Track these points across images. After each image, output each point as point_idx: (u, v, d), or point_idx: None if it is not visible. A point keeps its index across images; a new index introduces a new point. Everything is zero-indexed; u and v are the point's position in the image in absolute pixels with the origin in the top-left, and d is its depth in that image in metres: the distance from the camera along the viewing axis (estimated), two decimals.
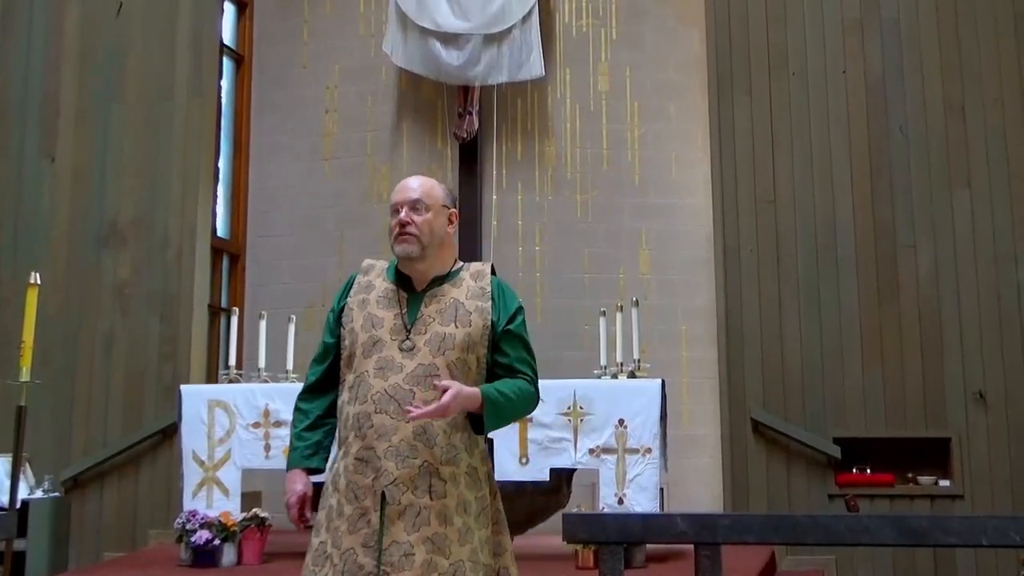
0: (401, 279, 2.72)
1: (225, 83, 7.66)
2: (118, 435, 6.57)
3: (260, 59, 7.89)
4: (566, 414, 5.20)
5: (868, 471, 6.26)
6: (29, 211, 6.94)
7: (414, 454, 2.54)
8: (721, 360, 6.49)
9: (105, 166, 6.93)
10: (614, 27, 7.54)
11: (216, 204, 7.44)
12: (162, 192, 6.84)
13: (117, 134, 6.96)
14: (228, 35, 7.74)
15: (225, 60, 7.63)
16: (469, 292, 2.69)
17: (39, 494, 6.28)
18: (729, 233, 6.54)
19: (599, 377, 5.62)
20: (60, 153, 6.99)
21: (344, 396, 2.65)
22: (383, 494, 2.52)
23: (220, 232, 7.57)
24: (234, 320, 6.25)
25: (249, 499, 5.77)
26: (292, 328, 5.92)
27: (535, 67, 7.11)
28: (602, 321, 5.90)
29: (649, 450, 5.15)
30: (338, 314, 2.73)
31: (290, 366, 5.84)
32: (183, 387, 5.77)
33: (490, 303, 2.68)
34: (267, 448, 5.43)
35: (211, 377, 6.88)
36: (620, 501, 5.12)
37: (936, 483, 6.22)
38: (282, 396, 5.41)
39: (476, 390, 2.56)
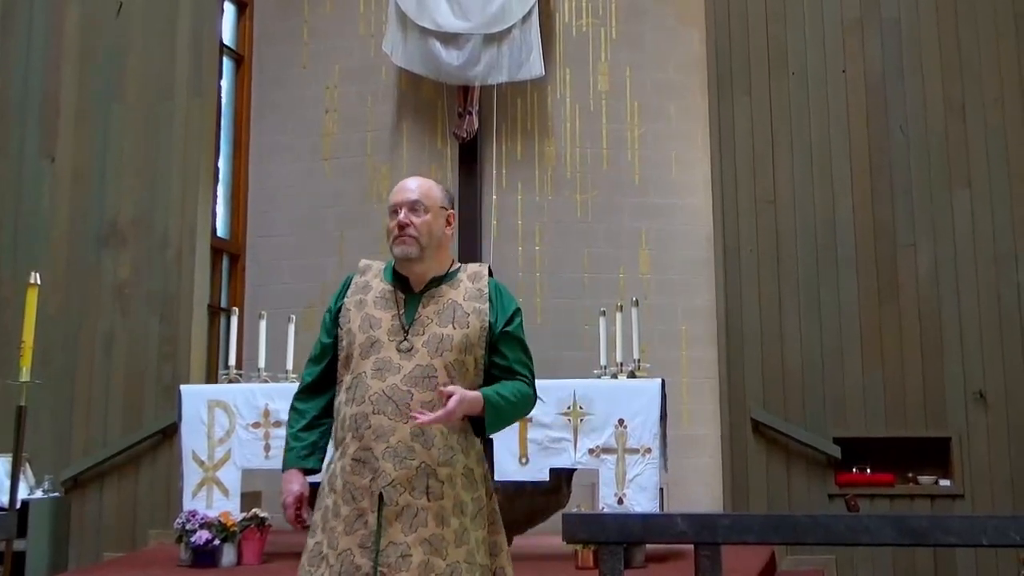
0: (398, 280, 2.72)
1: (225, 83, 7.66)
2: (118, 435, 6.57)
3: (260, 59, 7.89)
4: (566, 414, 5.20)
5: (868, 471, 6.26)
6: (29, 211, 6.94)
7: (412, 455, 2.54)
8: (721, 360, 6.49)
9: (105, 166, 6.93)
10: (614, 27, 7.54)
11: (216, 204, 7.44)
12: (162, 192, 6.84)
13: (117, 134, 6.96)
14: (228, 35, 7.74)
15: (225, 60, 7.63)
16: (467, 294, 2.69)
17: (39, 494, 6.28)
18: (729, 233, 6.54)
19: (599, 377, 5.62)
20: (60, 153, 6.99)
21: (341, 397, 2.65)
22: (380, 495, 2.52)
23: (220, 232, 7.57)
24: (234, 320, 6.25)
25: (249, 499, 5.78)
26: (292, 328, 5.91)
27: (535, 67, 7.12)
28: (602, 321, 5.90)
29: (649, 450, 5.14)
30: (335, 315, 2.73)
31: (290, 366, 5.84)
32: (183, 387, 5.77)
33: (487, 305, 2.68)
34: (267, 448, 5.43)
35: (211, 377, 6.89)
36: (620, 501, 5.12)
37: (936, 483, 6.22)
38: (282, 396, 5.40)
39: (478, 394, 2.57)
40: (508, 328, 2.69)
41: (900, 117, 6.54)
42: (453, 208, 2.79)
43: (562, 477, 5.29)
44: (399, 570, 2.47)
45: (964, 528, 1.84)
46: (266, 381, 5.78)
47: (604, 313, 5.93)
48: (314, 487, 2.69)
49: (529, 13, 7.15)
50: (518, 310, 2.74)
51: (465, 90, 7.21)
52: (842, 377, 6.33)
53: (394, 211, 2.69)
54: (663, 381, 5.32)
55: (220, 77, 7.38)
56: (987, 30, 6.57)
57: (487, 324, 2.66)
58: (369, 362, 2.60)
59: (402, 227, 2.66)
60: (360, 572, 2.48)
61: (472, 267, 2.79)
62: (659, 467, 5.18)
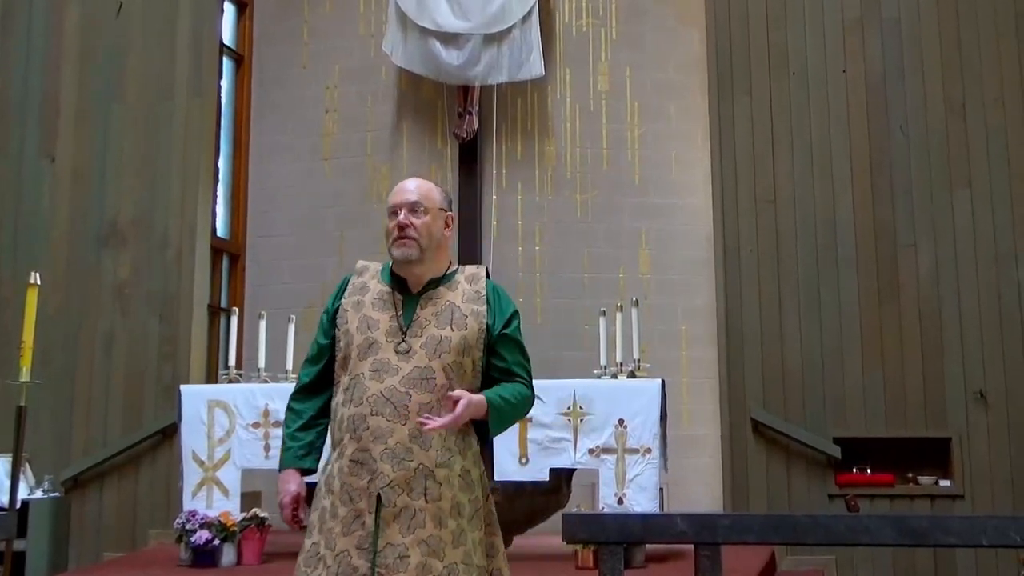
0: (396, 281, 2.72)
1: (225, 83, 7.66)
2: (118, 435, 6.57)
3: (260, 59, 7.89)
4: (566, 414, 5.20)
5: (868, 471, 6.26)
6: (29, 211, 6.94)
7: (410, 457, 2.54)
8: (721, 360, 6.49)
9: (105, 166, 6.93)
10: (614, 27, 7.54)
11: (216, 204, 7.44)
12: (162, 192, 6.84)
13: (117, 134, 6.96)
14: (228, 35, 7.74)
15: (225, 60, 7.63)
16: (465, 295, 2.69)
17: (39, 494, 6.28)
18: (729, 233, 6.54)
19: (599, 377, 5.62)
20: (60, 153, 6.98)
21: (339, 398, 2.65)
22: (378, 496, 2.53)
23: (220, 232, 7.57)
24: (234, 320, 6.25)
25: (249, 499, 5.78)
26: (292, 328, 5.92)
27: (535, 67, 7.11)
28: (602, 321, 5.90)
29: (649, 450, 5.14)
30: (332, 315, 2.73)
31: (290, 366, 5.83)
32: (183, 387, 5.77)
33: (485, 307, 2.69)
34: (267, 448, 5.43)
35: (211, 377, 6.88)
36: (620, 501, 5.12)
37: (936, 483, 6.22)
38: (282, 396, 5.40)
39: (482, 397, 2.58)
40: (506, 330, 2.69)
41: (900, 117, 6.54)
42: (451, 210, 2.79)
43: (562, 477, 5.29)
44: (397, 571, 2.48)
45: (964, 528, 1.83)
46: (266, 381, 5.78)
47: (604, 313, 5.92)
48: (311, 487, 2.69)
49: (529, 13, 7.14)
50: (516, 312, 2.75)
51: (465, 90, 7.21)
52: (842, 377, 6.33)
53: (393, 212, 2.69)
54: (663, 381, 5.32)
55: (220, 77, 7.38)
56: (987, 30, 6.56)
57: (485, 326, 2.66)
58: (367, 363, 2.60)
59: (402, 228, 2.66)
60: (358, 573, 2.48)
61: (469, 269, 2.79)
62: (659, 467, 5.18)
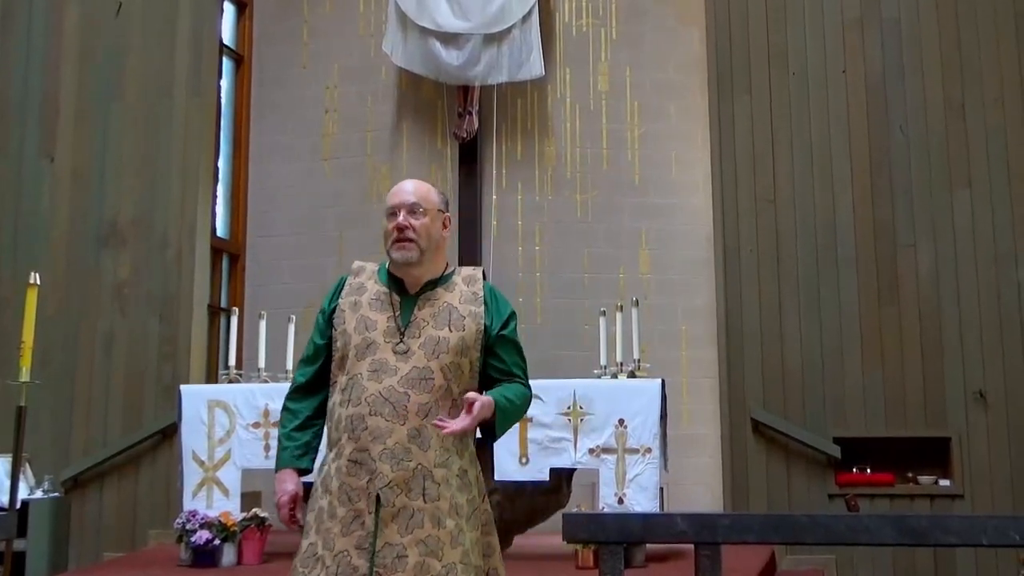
0: (393, 282, 2.72)
1: (225, 83, 7.66)
2: (118, 435, 6.57)
3: (260, 59, 7.89)
4: (566, 414, 5.20)
5: (868, 471, 6.26)
6: (29, 211, 6.94)
7: (408, 457, 2.55)
8: (721, 360, 6.49)
9: (105, 166, 6.93)
10: (614, 27, 7.54)
11: (216, 204, 7.44)
12: (162, 192, 6.84)
13: (117, 134, 6.96)
14: (228, 35, 7.74)
15: (225, 60, 7.63)
16: (462, 297, 2.70)
17: (39, 494, 6.28)
18: (729, 233, 6.54)
19: (599, 377, 5.62)
20: (60, 153, 6.98)
21: (336, 398, 2.66)
22: (377, 496, 2.53)
23: (220, 232, 7.57)
24: (234, 320, 6.25)
25: (249, 499, 5.77)
26: (292, 328, 5.91)
27: (535, 67, 7.11)
28: (602, 321, 5.90)
29: (649, 450, 5.14)
30: (329, 316, 2.73)
31: (290, 366, 5.83)
32: (183, 387, 5.77)
33: (483, 308, 2.70)
34: (267, 448, 5.43)
35: (211, 377, 6.89)
36: (620, 501, 5.12)
37: (936, 483, 6.22)
38: (282, 396, 5.32)
39: (490, 398, 2.58)
40: (504, 332, 2.71)
41: (900, 117, 6.54)
42: (449, 210, 2.80)
43: (562, 477, 5.29)
44: (395, 571, 2.48)
45: (964, 528, 1.84)
46: (266, 381, 5.78)
47: (604, 313, 5.92)
48: (308, 487, 2.69)
49: (529, 13, 7.14)
50: (513, 314, 2.76)
51: (465, 90, 7.21)
52: (842, 377, 6.33)
53: (392, 214, 2.69)
54: (663, 381, 5.32)
55: (220, 77, 7.38)
56: (987, 30, 6.57)
57: (483, 327, 2.67)
58: (365, 363, 2.60)
59: (401, 230, 2.66)
60: (357, 573, 2.49)
61: (466, 270, 2.80)
62: (659, 467, 5.18)
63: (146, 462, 6.56)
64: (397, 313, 2.65)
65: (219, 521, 5.27)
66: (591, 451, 5.17)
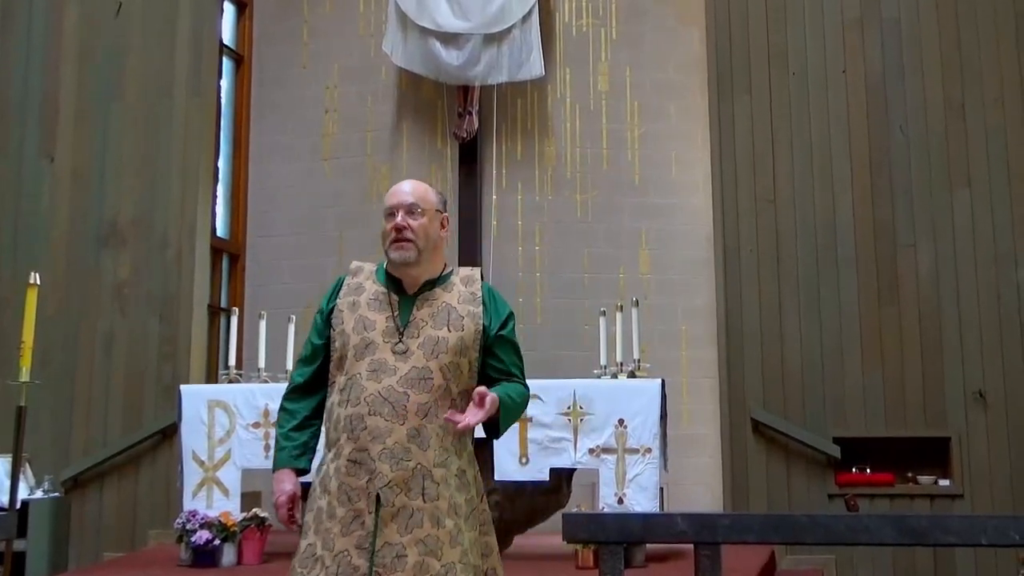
0: (391, 282, 2.73)
1: (225, 83, 7.66)
2: (118, 435, 6.57)
3: (260, 59, 7.89)
4: (566, 414, 5.20)
5: (868, 471, 6.26)
6: (29, 211, 6.94)
7: (408, 456, 2.55)
8: (721, 360, 6.49)
9: (105, 166, 6.93)
10: (614, 27, 7.54)
11: (216, 204, 7.44)
12: (162, 192, 6.84)
13: (116, 134, 6.96)
14: (228, 35, 7.74)
15: (225, 60, 7.63)
16: (460, 297, 2.71)
17: (39, 494, 6.28)
18: (729, 233, 6.54)
19: (599, 377, 5.62)
20: (60, 153, 6.98)
21: (335, 398, 2.66)
22: (377, 496, 2.53)
23: (220, 232, 7.57)
24: (234, 320, 6.25)
25: (249, 499, 5.77)
26: (292, 328, 5.91)
27: (535, 67, 7.12)
28: (602, 321, 5.90)
29: (649, 450, 5.14)
30: (327, 316, 2.74)
31: (290, 366, 5.83)
32: (183, 387, 5.77)
33: (481, 308, 2.70)
34: (267, 448, 5.43)
35: (211, 377, 6.89)
36: (620, 501, 5.12)
37: (936, 483, 6.22)
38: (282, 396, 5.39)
39: (496, 395, 2.59)
40: (503, 332, 2.72)
41: (900, 117, 6.55)
42: (447, 211, 2.80)
43: (562, 477, 5.29)
44: (394, 570, 2.48)
45: (964, 528, 1.84)
46: (266, 381, 5.78)
47: (604, 313, 5.92)
48: (305, 487, 2.69)
49: (529, 13, 7.14)
50: (511, 314, 2.78)
51: (465, 90, 7.21)
52: (842, 377, 6.33)
53: (390, 214, 2.70)
54: (663, 381, 5.32)
55: (220, 77, 7.38)
56: (987, 30, 6.57)
57: (481, 327, 2.68)
58: (364, 363, 2.61)
59: (400, 230, 2.66)
60: (358, 573, 2.49)
61: (464, 271, 2.81)
62: (659, 467, 5.18)
63: (146, 462, 6.56)
64: (396, 313, 2.66)
65: (219, 521, 5.27)
66: (591, 451, 5.18)
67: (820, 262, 6.46)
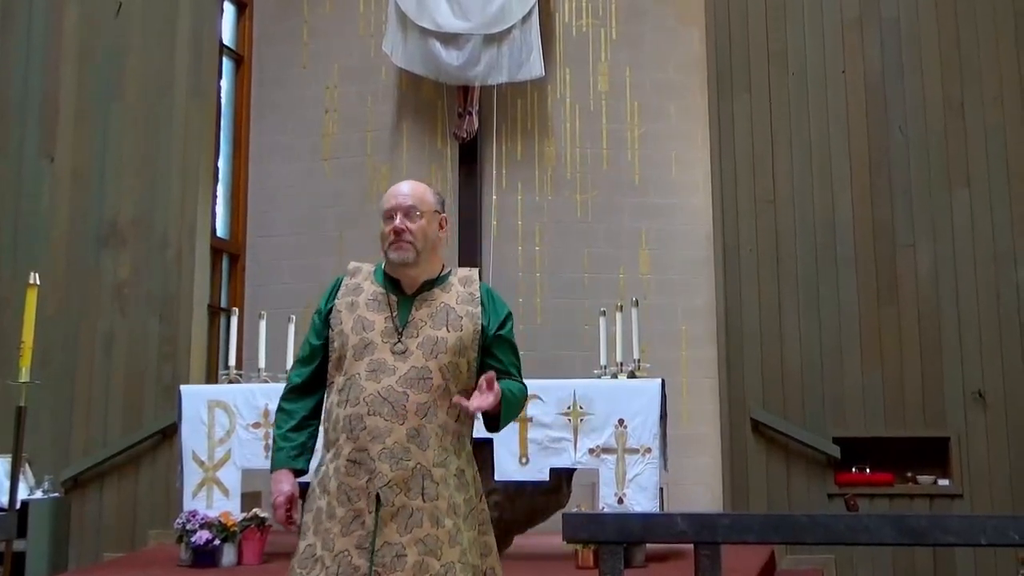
0: (390, 282, 2.73)
1: (225, 83, 7.66)
2: (118, 435, 6.58)
3: (260, 59, 7.89)
4: (566, 414, 5.21)
5: (867, 470, 6.27)
6: (29, 211, 6.94)
7: (408, 456, 2.56)
8: (721, 360, 6.49)
9: (105, 166, 6.93)
10: (614, 27, 7.55)
11: (216, 204, 7.44)
12: (162, 192, 6.84)
13: (116, 134, 6.96)
14: (228, 35, 7.74)
15: (225, 60, 7.63)
16: (459, 297, 2.72)
17: (39, 494, 6.28)
18: (729, 233, 6.54)
19: (599, 377, 5.62)
20: (60, 153, 6.99)
21: (333, 398, 2.66)
22: (377, 495, 2.53)
23: (220, 232, 7.57)
24: (234, 320, 6.25)
25: (249, 499, 5.78)
26: (292, 328, 5.91)
27: (535, 67, 7.12)
28: (602, 321, 5.90)
29: (649, 450, 5.15)
30: (325, 316, 2.74)
31: (290, 366, 5.81)
32: (183, 387, 5.77)
33: (480, 308, 2.71)
34: (267, 448, 5.42)
35: (211, 377, 6.89)
36: (620, 501, 5.12)
37: (935, 482, 6.22)
38: None
39: (500, 387, 2.60)
40: (501, 332, 2.73)
41: (899, 116, 6.55)
42: (445, 211, 2.81)
43: (562, 477, 5.29)
44: (394, 570, 2.49)
45: (963, 527, 1.84)
46: (266, 381, 5.78)
47: (604, 313, 5.93)
48: (304, 487, 2.69)
49: (529, 13, 7.15)
50: (509, 314, 2.79)
51: (465, 90, 7.21)
52: (841, 377, 6.33)
53: (389, 216, 2.70)
54: (663, 381, 5.32)
55: (220, 77, 7.39)
56: (986, 29, 6.57)
57: (480, 327, 2.69)
58: (363, 363, 2.61)
59: (399, 233, 2.67)
60: (359, 572, 2.49)
61: (462, 271, 2.82)
62: (659, 467, 5.18)
63: (146, 462, 6.57)
64: (394, 313, 2.67)
65: (219, 521, 5.27)
66: (591, 451, 5.18)
67: (819, 262, 6.46)
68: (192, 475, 5.49)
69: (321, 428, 2.73)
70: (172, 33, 7.02)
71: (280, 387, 5.71)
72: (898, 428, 6.28)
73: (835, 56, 6.66)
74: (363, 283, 2.75)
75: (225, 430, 5.51)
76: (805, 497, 6.22)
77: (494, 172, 7.44)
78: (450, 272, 2.79)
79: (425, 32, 7.13)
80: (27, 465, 6.30)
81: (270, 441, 5.40)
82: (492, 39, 7.10)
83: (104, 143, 6.96)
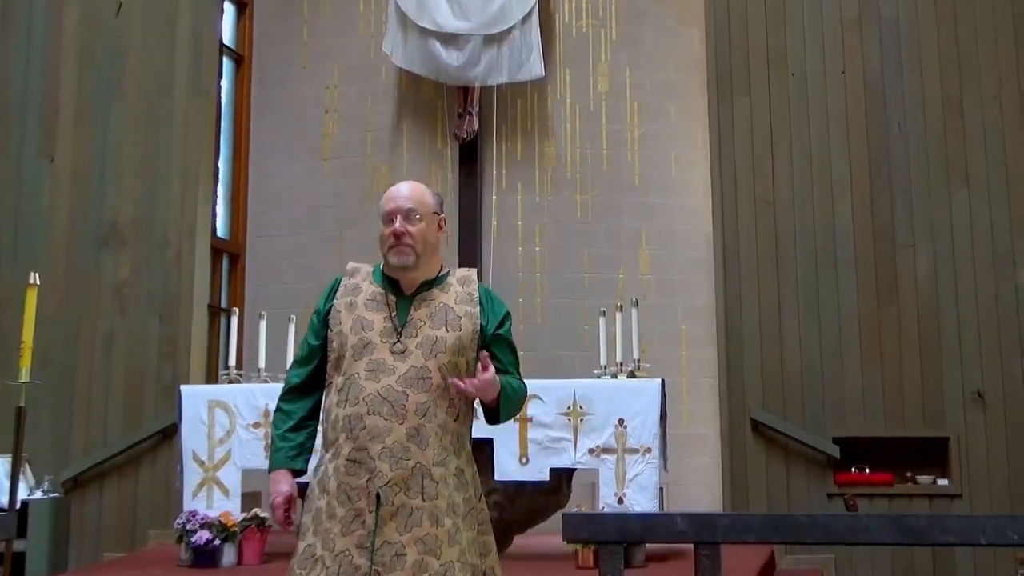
0: (388, 282, 2.74)
1: (225, 83, 7.66)
2: (118, 435, 6.58)
3: (260, 59, 7.90)
4: (566, 414, 5.21)
5: (867, 471, 6.27)
6: (29, 211, 6.94)
7: (407, 455, 2.56)
8: (721, 360, 6.50)
9: (105, 166, 6.93)
10: (614, 27, 7.55)
11: (216, 204, 7.44)
12: (162, 192, 6.84)
13: (117, 134, 6.96)
14: (228, 35, 7.74)
15: (225, 60, 7.63)
16: (458, 297, 2.73)
17: (39, 494, 6.28)
18: (728, 234, 6.55)
19: (599, 377, 5.62)
20: (60, 153, 6.99)
21: (333, 398, 2.67)
22: (378, 495, 2.54)
23: (220, 232, 7.57)
24: (234, 320, 6.25)
25: (249, 499, 5.78)
26: (292, 328, 5.91)
27: (535, 67, 7.12)
28: (602, 321, 5.90)
29: (649, 450, 5.15)
30: (324, 316, 2.74)
31: (290, 366, 5.83)
32: (183, 387, 5.77)
33: (479, 308, 2.73)
34: (267, 448, 5.41)
35: (211, 377, 6.89)
36: (620, 501, 5.13)
37: (934, 482, 6.23)
38: None
39: (499, 378, 2.62)
40: (500, 331, 2.75)
41: (899, 115, 6.56)
42: (443, 212, 2.81)
43: (562, 477, 5.30)
44: (394, 569, 2.49)
45: (962, 527, 1.84)
46: (266, 381, 5.78)
47: (604, 313, 5.93)
48: (302, 488, 2.70)
49: (529, 14, 7.15)
50: (508, 314, 2.80)
51: (465, 90, 7.21)
52: (841, 377, 6.34)
53: (389, 219, 2.70)
54: (663, 381, 5.33)
55: (220, 77, 7.39)
56: (985, 28, 6.58)
57: (479, 327, 2.70)
58: (362, 363, 2.62)
59: (399, 236, 2.67)
60: (359, 572, 2.50)
61: (461, 272, 2.83)
62: (659, 467, 5.19)
63: (146, 462, 6.57)
64: (393, 313, 2.67)
65: (219, 521, 5.27)
66: (591, 451, 5.18)
67: (819, 263, 6.47)
68: (192, 475, 5.49)
69: (320, 428, 2.74)
70: (172, 33, 7.02)
71: (280, 387, 5.74)
72: (897, 428, 6.29)
73: (835, 57, 6.66)
74: (362, 283, 2.75)
75: (225, 430, 5.51)
76: (805, 497, 6.23)
77: (494, 172, 7.45)
78: (448, 272, 2.79)
79: (425, 32, 7.13)
80: (27, 465, 6.30)
81: (270, 441, 5.42)
82: (492, 39, 7.11)
83: (104, 143, 6.96)
